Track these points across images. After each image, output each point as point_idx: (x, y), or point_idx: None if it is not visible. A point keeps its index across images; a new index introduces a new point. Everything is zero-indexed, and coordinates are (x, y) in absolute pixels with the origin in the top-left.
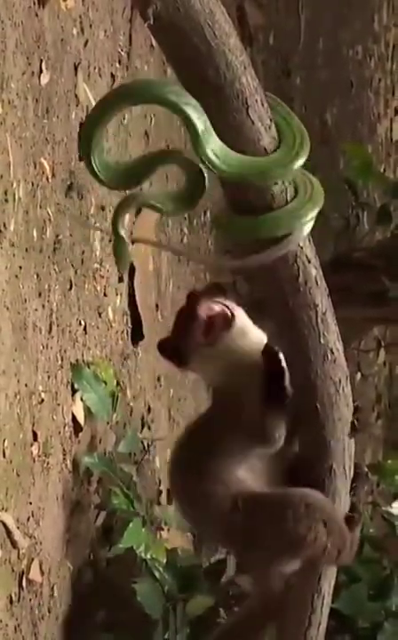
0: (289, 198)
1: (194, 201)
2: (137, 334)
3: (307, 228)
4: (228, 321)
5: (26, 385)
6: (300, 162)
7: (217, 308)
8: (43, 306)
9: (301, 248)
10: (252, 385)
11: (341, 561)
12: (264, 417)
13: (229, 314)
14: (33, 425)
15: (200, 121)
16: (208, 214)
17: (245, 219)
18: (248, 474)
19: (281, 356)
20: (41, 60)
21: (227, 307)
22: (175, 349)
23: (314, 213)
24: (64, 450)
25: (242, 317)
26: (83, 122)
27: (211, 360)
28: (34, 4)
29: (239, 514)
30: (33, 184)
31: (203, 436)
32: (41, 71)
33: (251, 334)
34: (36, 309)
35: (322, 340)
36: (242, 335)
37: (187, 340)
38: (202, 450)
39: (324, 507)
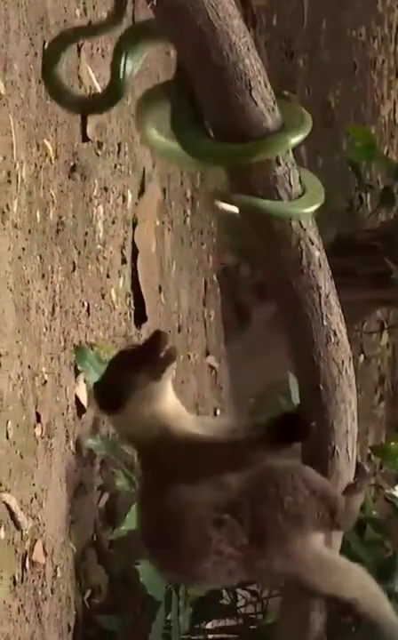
0: (292, 182)
1: None
2: (140, 316)
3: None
4: (173, 355)
5: (29, 366)
6: (299, 138)
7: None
8: (47, 287)
9: (304, 230)
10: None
11: (338, 525)
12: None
13: (173, 352)
14: (36, 406)
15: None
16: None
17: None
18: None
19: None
20: (44, 41)
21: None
22: (116, 394)
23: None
24: (67, 431)
25: None
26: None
27: (150, 399)
28: None
29: (231, 522)
30: (36, 165)
31: (157, 498)
32: (44, 51)
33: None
34: (40, 291)
35: (325, 322)
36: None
37: (135, 377)
38: (165, 512)
39: (300, 468)
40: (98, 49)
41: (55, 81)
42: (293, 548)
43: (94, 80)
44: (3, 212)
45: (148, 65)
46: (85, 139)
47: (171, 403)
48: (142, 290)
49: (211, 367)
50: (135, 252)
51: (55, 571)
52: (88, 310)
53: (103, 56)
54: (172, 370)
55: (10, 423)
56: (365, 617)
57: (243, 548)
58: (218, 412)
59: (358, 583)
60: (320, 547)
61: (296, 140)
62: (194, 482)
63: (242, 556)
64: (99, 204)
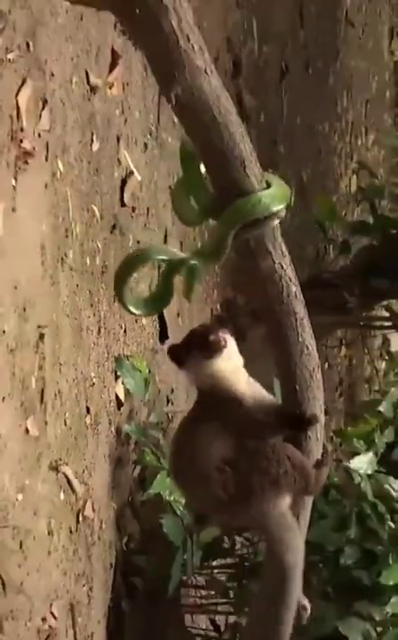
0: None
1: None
2: (163, 335)
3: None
4: (222, 348)
5: (81, 372)
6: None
7: (221, 336)
8: (94, 314)
9: (285, 270)
10: (232, 393)
11: (310, 491)
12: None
13: (224, 343)
14: (86, 402)
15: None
16: None
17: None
18: (226, 446)
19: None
20: (92, 133)
21: (225, 338)
22: (179, 354)
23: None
24: (110, 420)
25: (232, 346)
26: (124, 179)
27: (204, 368)
28: (87, 91)
29: (228, 473)
30: (86, 224)
31: (193, 428)
32: (92, 141)
33: (234, 358)
34: (89, 317)
35: (300, 339)
36: (229, 358)
37: (190, 351)
38: (193, 441)
39: (286, 446)
40: (132, 138)
41: (125, 295)
42: (268, 505)
43: (129, 162)
44: (63, 259)
45: (171, 150)
46: (123, 204)
47: (227, 367)
48: (165, 316)
49: None
50: None
51: (101, 523)
52: (125, 331)
53: (136, 144)
54: (225, 352)
55: (67, 414)
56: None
57: (230, 495)
58: None
59: (296, 547)
60: (286, 509)
61: (276, 208)
62: (217, 430)
63: (227, 500)
64: None
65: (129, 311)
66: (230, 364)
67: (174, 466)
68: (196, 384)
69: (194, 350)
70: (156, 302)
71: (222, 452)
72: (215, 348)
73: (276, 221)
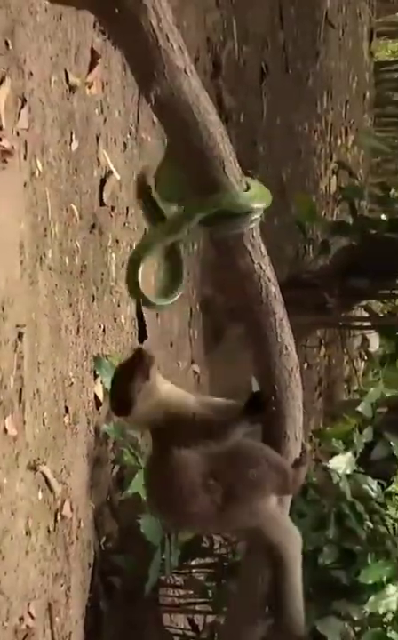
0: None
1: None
2: (142, 335)
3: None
4: (152, 360)
5: (60, 372)
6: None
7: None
8: (73, 313)
9: (264, 270)
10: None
11: (288, 490)
12: (232, 425)
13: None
14: (65, 401)
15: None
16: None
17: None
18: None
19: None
20: (71, 132)
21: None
22: (122, 401)
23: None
24: (88, 420)
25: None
26: (103, 178)
27: (149, 395)
28: (66, 90)
29: (214, 486)
30: (65, 223)
31: (162, 462)
32: (71, 140)
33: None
34: (68, 316)
35: (279, 339)
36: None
37: (134, 385)
38: (167, 472)
39: (261, 447)
40: (111, 138)
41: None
42: (256, 506)
43: (109, 161)
44: (41, 258)
45: (150, 150)
46: (102, 204)
47: (166, 391)
48: (144, 315)
49: (195, 372)
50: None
51: (79, 522)
52: (104, 330)
53: (115, 144)
54: (156, 370)
55: (45, 414)
56: (282, 569)
57: (219, 506)
58: None
59: (293, 540)
60: (274, 507)
61: (256, 205)
62: (188, 449)
63: (218, 511)
64: (112, 252)
65: (151, 305)
66: (166, 382)
67: (158, 501)
68: (147, 420)
69: (136, 382)
70: (173, 286)
71: (200, 469)
72: (149, 362)
73: (255, 217)
